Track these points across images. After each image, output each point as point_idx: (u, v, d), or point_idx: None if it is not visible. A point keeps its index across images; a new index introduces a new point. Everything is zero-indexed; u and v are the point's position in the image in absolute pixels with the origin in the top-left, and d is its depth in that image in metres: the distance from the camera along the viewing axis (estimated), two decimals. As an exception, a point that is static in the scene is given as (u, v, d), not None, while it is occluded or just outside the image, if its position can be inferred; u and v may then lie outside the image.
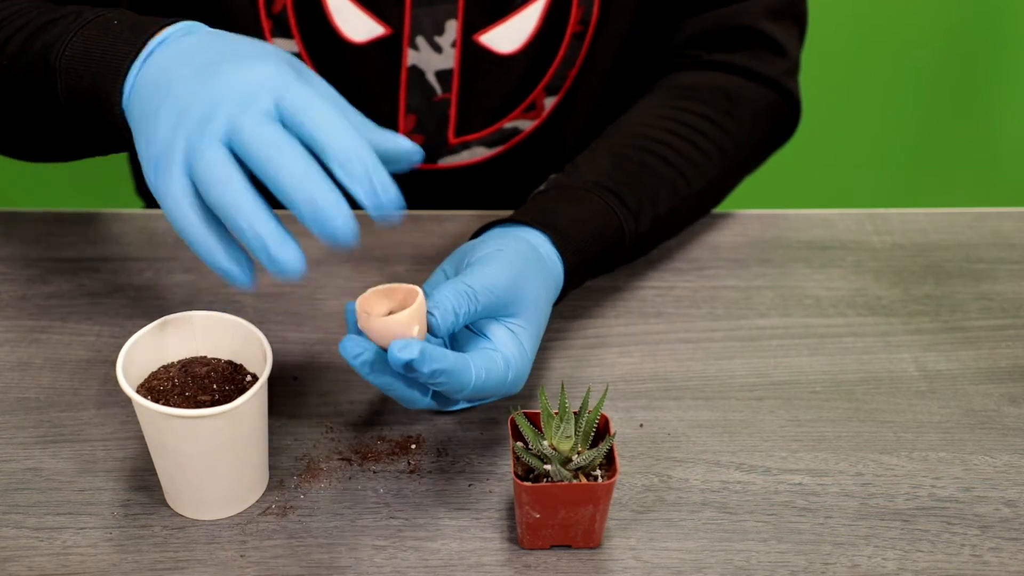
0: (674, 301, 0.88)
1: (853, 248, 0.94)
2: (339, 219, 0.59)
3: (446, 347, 0.72)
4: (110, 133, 0.70)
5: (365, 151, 0.60)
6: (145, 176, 0.64)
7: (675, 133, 0.90)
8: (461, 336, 0.72)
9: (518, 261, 0.72)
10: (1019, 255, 0.94)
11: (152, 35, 0.68)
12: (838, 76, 1.78)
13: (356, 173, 0.60)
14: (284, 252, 0.60)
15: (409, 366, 0.63)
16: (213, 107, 0.61)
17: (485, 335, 0.70)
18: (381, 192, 0.60)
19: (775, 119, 0.97)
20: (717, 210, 0.97)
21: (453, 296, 0.67)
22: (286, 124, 0.61)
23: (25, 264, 0.89)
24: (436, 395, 0.71)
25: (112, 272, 0.88)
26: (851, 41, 1.77)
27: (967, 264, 0.93)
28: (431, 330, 0.67)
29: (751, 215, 0.98)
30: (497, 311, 0.70)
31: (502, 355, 0.69)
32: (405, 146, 0.65)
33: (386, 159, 0.64)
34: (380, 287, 0.68)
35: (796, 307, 0.88)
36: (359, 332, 0.68)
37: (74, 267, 0.89)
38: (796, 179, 1.73)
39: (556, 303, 0.79)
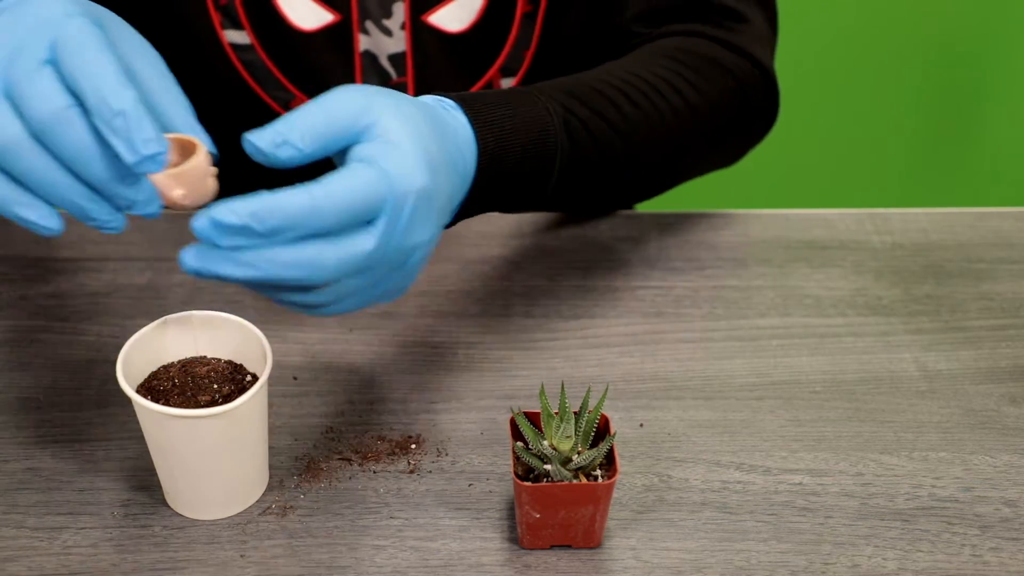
0: (674, 301, 0.88)
1: (853, 248, 0.94)
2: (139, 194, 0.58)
3: None
4: None
5: (127, 103, 0.56)
6: None
7: (639, 76, 0.83)
8: None
9: (378, 91, 0.63)
10: (1019, 255, 0.94)
11: None
12: (839, 76, 1.78)
13: (116, 127, 0.56)
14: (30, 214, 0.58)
15: (216, 231, 0.55)
16: None
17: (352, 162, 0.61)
18: (142, 147, 0.56)
19: (742, 81, 0.89)
20: (717, 210, 0.97)
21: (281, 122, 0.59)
22: (59, 69, 0.57)
23: (25, 264, 0.89)
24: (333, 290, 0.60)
25: (112, 272, 0.88)
26: (852, 41, 1.77)
27: (967, 264, 0.93)
28: (210, 165, 0.61)
29: (751, 215, 0.97)
30: (349, 134, 0.60)
31: (364, 165, 0.59)
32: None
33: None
34: (170, 135, 0.62)
35: (796, 307, 0.88)
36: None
37: (74, 267, 0.89)
38: (796, 179, 1.74)
39: (472, 208, 0.70)
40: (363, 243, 0.59)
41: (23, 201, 0.59)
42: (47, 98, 0.56)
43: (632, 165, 0.82)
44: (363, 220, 0.59)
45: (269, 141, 0.58)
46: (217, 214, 0.55)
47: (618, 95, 0.80)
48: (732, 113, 0.89)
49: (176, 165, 0.60)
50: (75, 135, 0.57)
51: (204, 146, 0.61)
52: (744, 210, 0.98)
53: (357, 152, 0.60)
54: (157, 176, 0.59)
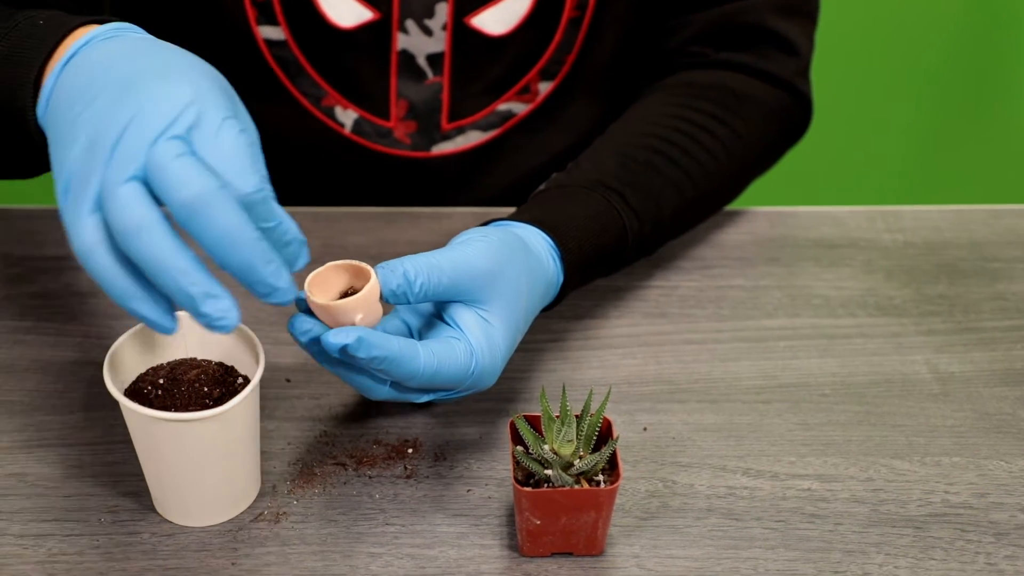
0: (679, 301, 0.88)
1: (863, 246, 0.94)
2: (281, 281, 0.57)
3: (411, 334, 0.71)
4: (27, 146, 0.66)
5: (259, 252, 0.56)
6: (56, 193, 0.59)
7: (682, 132, 0.88)
8: (428, 323, 0.71)
9: (500, 249, 0.70)
10: (1034, 254, 0.94)
11: (69, 36, 0.64)
12: (849, 71, 1.79)
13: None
14: (213, 306, 0.56)
15: (345, 351, 0.62)
16: (126, 132, 0.56)
17: (453, 323, 0.69)
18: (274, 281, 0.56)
19: (785, 120, 0.96)
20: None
21: (412, 264, 0.66)
22: (198, 154, 0.56)
23: (9, 263, 0.89)
24: (396, 384, 0.68)
25: (102, 271, 0.88)
26: (862, 36, 1.78)
27: (981, 263, 0.92)
28: (383, 298, 0.65)
29: (758, 212, 0.97)
30: (468, 295, 0.68)
31: (466, 344, 0.67)
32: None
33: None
34: (340, 262, 0.66)
35: (805, 307, 0.87)
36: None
37: (60, 265, 0.88)
38: (805, 175, 1.73)
39: (556, 304, 0.78)
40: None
41: (139, 296, 0.57)
42: (191, 181, 0.54)
43: (686, 222, 0.90)
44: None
45: (394, 280, 0.65)
46: (360, 352, 0.63)
47: (676, 172, 0.86)
48: (773, 146, 0.96)
49: (352, 290, 0.66)
50: (226, 215, 0.55)
51: (374, 271, 0.65)
52: (751, 207, 0.98)
53: (464, 318, 0.68)
54: (340, 302, 0.64)
